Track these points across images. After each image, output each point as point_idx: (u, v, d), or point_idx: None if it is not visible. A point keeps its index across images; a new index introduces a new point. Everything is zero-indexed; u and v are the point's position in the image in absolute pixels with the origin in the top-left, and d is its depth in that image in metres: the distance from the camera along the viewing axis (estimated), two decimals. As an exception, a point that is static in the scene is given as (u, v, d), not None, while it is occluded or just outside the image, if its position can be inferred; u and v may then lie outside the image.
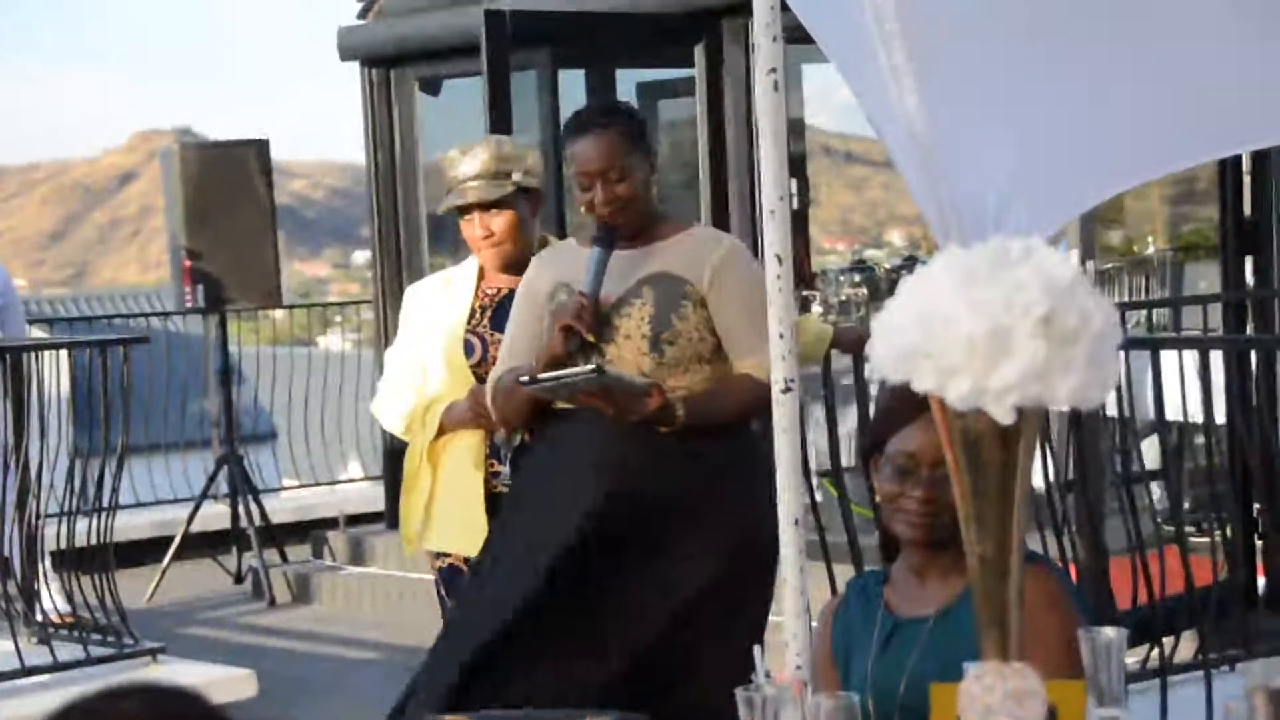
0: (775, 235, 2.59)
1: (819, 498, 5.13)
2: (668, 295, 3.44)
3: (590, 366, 3.29)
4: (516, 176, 3.87)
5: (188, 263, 7.70)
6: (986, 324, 1.57)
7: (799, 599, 2.60)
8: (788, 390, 2.59)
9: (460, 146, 3.91)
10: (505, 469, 3.80)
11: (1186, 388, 4.95)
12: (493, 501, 3.82)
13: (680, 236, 3.51)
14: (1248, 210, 6.36)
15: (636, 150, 3.47)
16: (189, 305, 7.86)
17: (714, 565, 3.35)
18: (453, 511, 3.87)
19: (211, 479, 8.12)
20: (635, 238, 3.50)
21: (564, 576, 3.34)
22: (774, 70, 2.55)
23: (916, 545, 2.53)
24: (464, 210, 3.88)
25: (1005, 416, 1.59)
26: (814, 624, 2.66)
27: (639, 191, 3.46)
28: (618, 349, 3.42)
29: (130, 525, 8.45)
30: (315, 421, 9.90)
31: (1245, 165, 6.31)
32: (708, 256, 3.46)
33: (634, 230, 3.49)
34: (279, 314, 10.55)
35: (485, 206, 3.85)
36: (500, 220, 3.86)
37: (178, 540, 7.86)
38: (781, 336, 2.59)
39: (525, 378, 3.35)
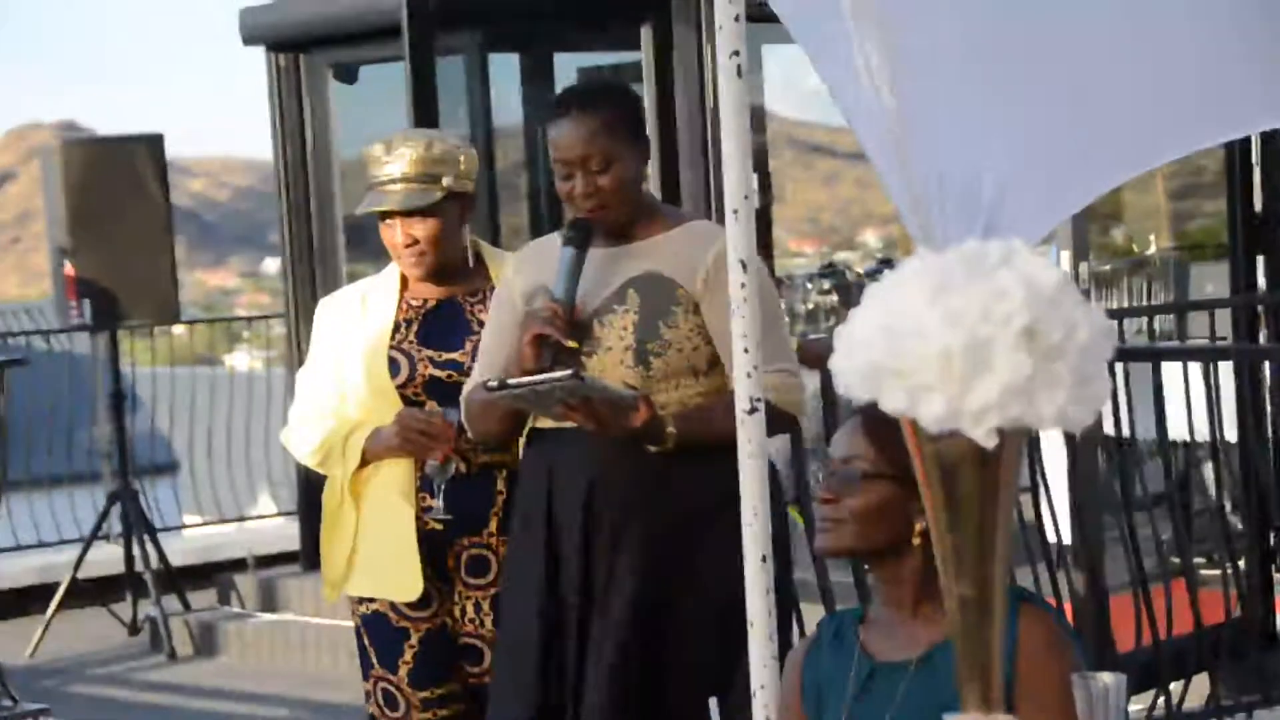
0: (739, 238, 2.62)
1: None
2: (655, 300, 3.42)
3: (567, 371, 3.29)
4: (447, 181, 3.86)
5: (72, 273, 7.66)
6: (962, 336, 1.58)
7: (767, 645, 2.62)
8: (754, 411, 2.61)
9: (385, 141, 3.90)
10: (438, 503, 3.79)
11: (1193, 403, 4.99)
12: (424, 540, 3.82)
13: (672, 233, 3.49)
14: (1258, 205, 6.42)
15: (624, 138, 3.44)
16: (75, 321, 7.81)
17: (710, 616, 3.37)
18: (379, 552, 3.86)
19: (102, 517, 8.06)
20: (620, 234, 3.48)
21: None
22: (737, 53, 2.57)
23: (852, 560, 2.59)
24: (385, 214, 3.88)
25: (986, 439, 1.61)
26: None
27: (624, 184, 3.43)
28: (600, 361, 3.41)
29: (9, 570, 8.41)
30: (221, 450, 9.86)
31: (1255, 155, 6.37)
32: (701, 254, 3.43)
33: (617, 228, 3.47)
34: (179, 330, 10.50)
35: (409, 213, 3.85)
36: (425, 227, 3.85)
37: (64, 587, 7.80)
38: (746, 351, 2.61)
39: (493, 383, 3.35)
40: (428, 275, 3.90)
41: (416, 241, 3.86)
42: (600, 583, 3.40)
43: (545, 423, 3.47)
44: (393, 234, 3.88)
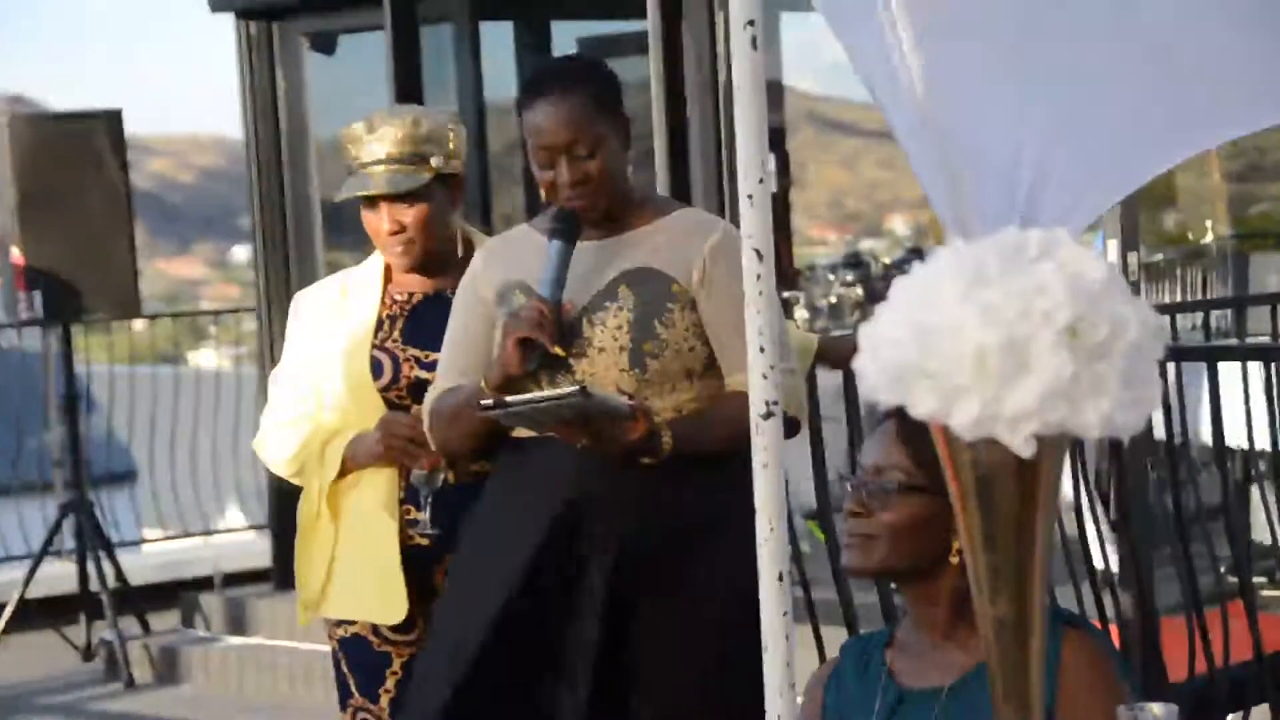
0: (754, 225, 2.62)
1: (804, 546, 5.17)
2: (650, 297, 3.42)
3: (573, 388, 3.29)
4: (435, 162, 3.87)
5: (21, 263, 7.68)
6: (999, 335, 1.59)
7: (784, 671, 2.62)
8: (769, 416, 2.62)
9: (366, 119, 3.91)
10: (424, 517, 3.80)
11: (1252, 407, 5.00)
12: (409, 557, 3.83)
13: (663, 222, 3.49)
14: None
15: (609, 117, 3.44)
16: (24, 316, 7.83)
17: (708, 637, 3.39)
18: (359, 570, 3.87)
19: (54, 531, 8.08)
20: (607, 224, 3.48)
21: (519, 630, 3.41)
22: (752, 23, 2.57)
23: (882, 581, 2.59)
24: (368, 199, 3.89)
25: (1023, 448, 1.62)
26: (799, 699, 2.69)
27: (612, 168, 3.44)
28: (590, 365, 3.41)
29: (-47, 590, 8.41)
30: (184, 458, 9.86)
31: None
32: (697, 246, 3.44)
33: (605, 215, 3.47)
34: (139, 325, 10.51)
35: (395, 197, 3.86)
36: (413, 213, 3.86)
37: (11, 608, 7.82)
38: (762, 350, 2.62)
39: (488, 402, 3.33)
40: (415, 265, 3.91)
41: (403, 228, 3.87)
42: (581, 598, 3.41)
43: (521, 431, 3.47)
44: (377, 220, 3.89)
